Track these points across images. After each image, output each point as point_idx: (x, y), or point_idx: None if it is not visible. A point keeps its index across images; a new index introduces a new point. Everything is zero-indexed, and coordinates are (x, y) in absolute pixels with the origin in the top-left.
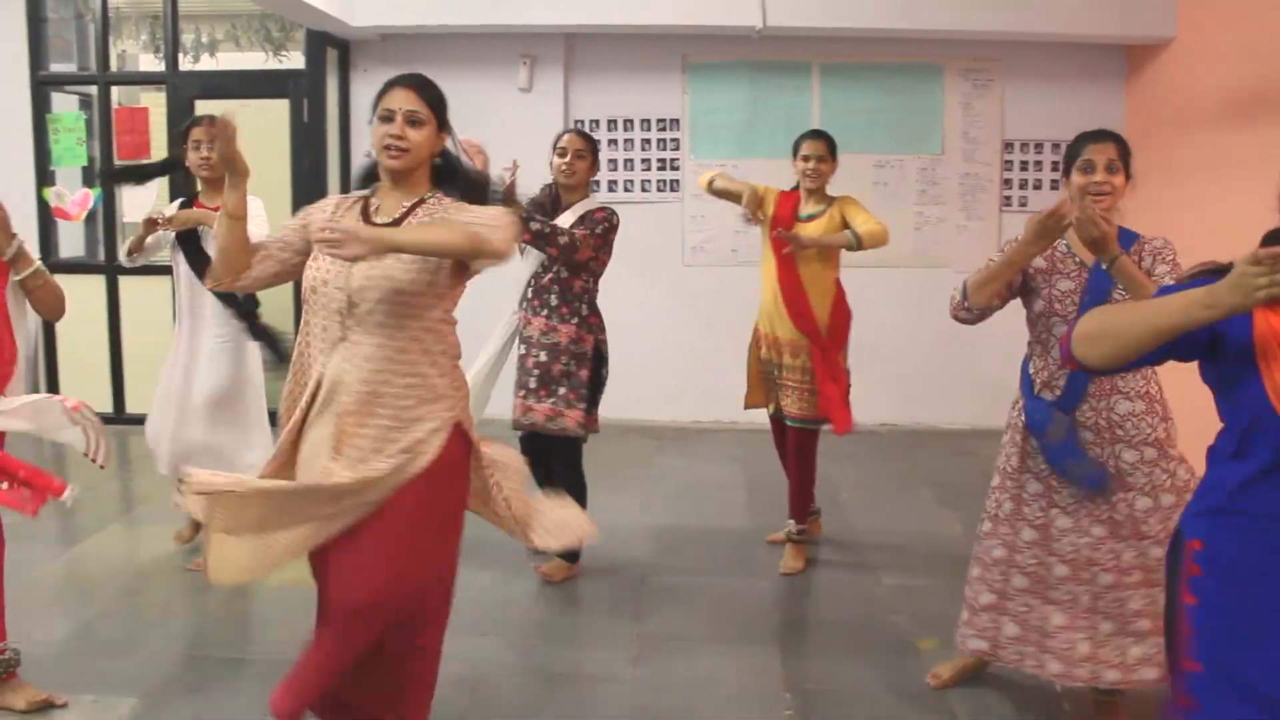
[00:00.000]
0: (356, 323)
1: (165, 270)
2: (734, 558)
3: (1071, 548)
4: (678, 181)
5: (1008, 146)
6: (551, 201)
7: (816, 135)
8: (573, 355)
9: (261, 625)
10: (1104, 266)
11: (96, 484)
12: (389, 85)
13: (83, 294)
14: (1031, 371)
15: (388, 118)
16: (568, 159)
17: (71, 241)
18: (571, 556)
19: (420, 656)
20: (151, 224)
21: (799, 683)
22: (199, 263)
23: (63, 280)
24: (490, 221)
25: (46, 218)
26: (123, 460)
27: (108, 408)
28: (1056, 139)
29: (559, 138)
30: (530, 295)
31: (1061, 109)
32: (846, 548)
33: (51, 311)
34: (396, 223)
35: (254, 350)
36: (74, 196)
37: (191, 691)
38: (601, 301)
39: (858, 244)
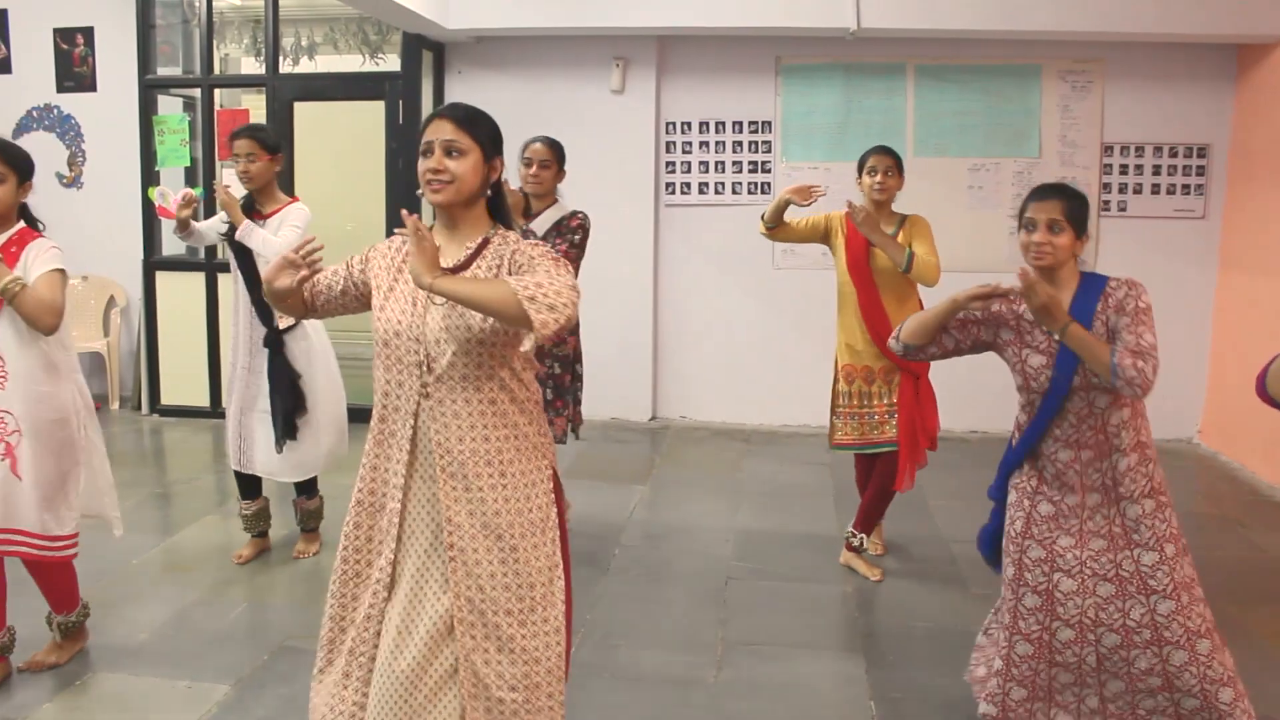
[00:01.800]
0: (437, 378)
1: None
2: (820, 563)
3: (1077, 609)
4: (769, 184)
5: (1107, 150)
6: (524, 208)
7: (883, 150)
8: (557, 359)
9: None
10: (1056, 337)
11: (193, 477)
12: (428, 119)
13: (183, 291)
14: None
15: (427, 151)
16: (533, 169)
17: (174, 240)
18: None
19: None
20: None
21: (884, 691)
22: (249, 271)
23: (164, 277)
24: (549, 294)
25: (151, 217)
26: (218, 454)
27: (205, 402)
28: (1159, 142)
29: (526, 147)
30: None
31: (1166, 111)
32: (935, 556)
33: (36, 322)
34: (463, 266)
35: (321, 349)
36: (177, 196)
37: (282, 681)
38: (691, 302)
39: (907, 266)
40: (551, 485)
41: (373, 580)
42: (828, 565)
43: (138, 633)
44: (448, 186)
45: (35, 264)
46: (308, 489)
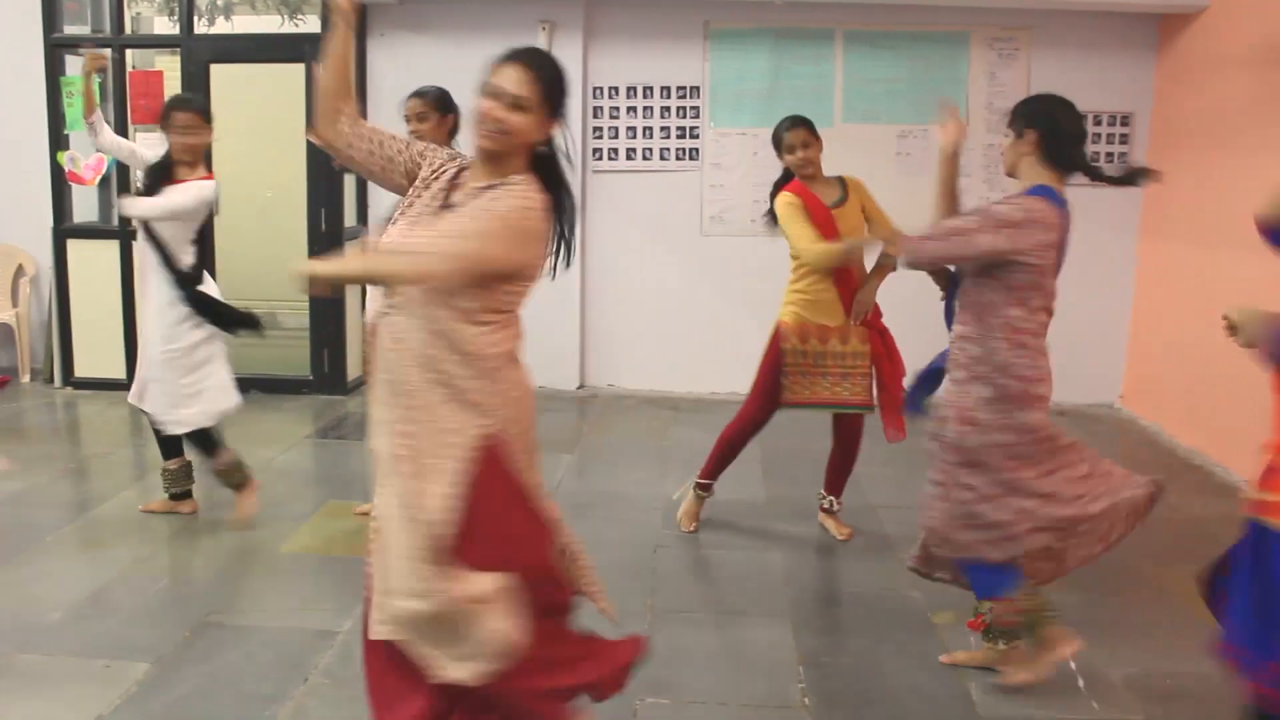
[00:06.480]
0: (402, 300)
1: None
2: (749, 530)
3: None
4: (697, 150)
5: None
6: None
7: (795, 122)
8: None
9: (274, 593)
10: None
11: (110, 451)
12: (505, 59)
13: (96, 259)
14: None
15: (493, 94)
16: (411, 125)
17: (85, 206)
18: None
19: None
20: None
21: (813, 656)
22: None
23: (75, 245)
24: (471, 234)
25: (60, 182)
26: (135, 427)
27: (120, 374)
28: (1084, 110)
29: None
30: None
31: (1091, 80)
32: (864, 523)
33: None
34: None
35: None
36: (88, 161)
37: (203, 658)
38: (618, 270)
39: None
40: (475, 446)
41: None
42: (755, 532)
43: (51, 611)
44: (501, 137)
45: None
46: (208, 449)
